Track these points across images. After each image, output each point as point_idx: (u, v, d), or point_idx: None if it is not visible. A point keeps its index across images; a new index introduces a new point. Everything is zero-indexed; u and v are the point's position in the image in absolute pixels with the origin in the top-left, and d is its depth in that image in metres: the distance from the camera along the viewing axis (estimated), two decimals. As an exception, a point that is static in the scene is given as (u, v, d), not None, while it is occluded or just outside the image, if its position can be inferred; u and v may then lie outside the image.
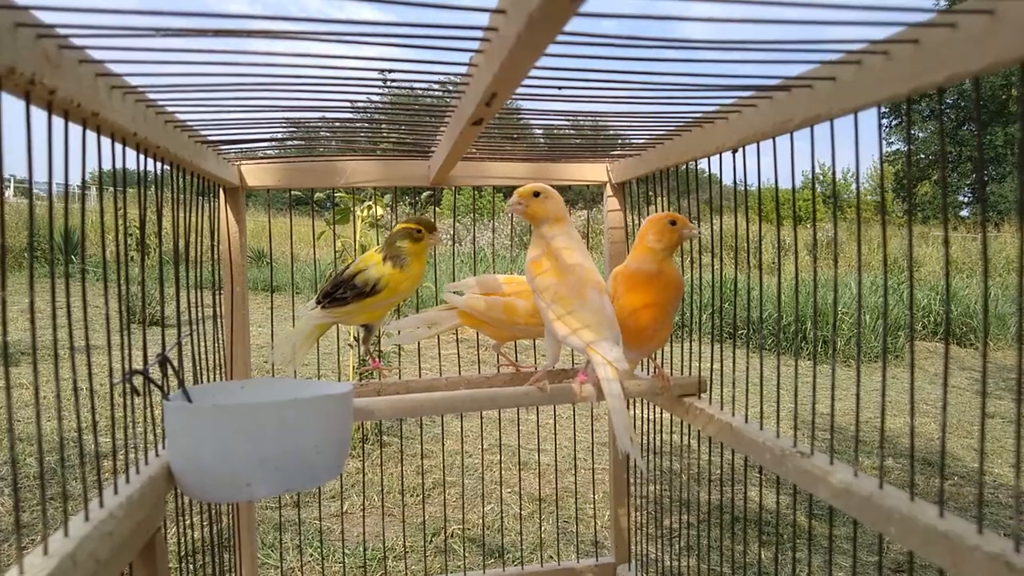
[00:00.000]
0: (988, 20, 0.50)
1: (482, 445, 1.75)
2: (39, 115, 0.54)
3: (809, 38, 0.61)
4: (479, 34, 0.57)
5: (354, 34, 0.56)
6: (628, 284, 1.06)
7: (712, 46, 0.62)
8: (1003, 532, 0.55)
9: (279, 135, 1.09)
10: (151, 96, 0.73)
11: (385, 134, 1.23)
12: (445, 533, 2.09)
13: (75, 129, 0.61)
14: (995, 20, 0.49)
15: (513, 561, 1.92)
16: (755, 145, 0.88)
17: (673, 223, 1.06)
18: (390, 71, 0.83)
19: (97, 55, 0.59)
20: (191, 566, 0.97)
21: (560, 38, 0.52)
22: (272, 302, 1.28)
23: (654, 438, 1.31)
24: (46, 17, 0.50)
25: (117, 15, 0.50)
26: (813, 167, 0.83)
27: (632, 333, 1.07)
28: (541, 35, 0.49)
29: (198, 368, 1.01)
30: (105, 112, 0.62)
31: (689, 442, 1.27)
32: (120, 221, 0.73)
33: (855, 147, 0.72)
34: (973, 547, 0.55)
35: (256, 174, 1.24)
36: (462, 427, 1.78)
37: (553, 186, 1.41)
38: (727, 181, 1.09)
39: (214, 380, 1.10)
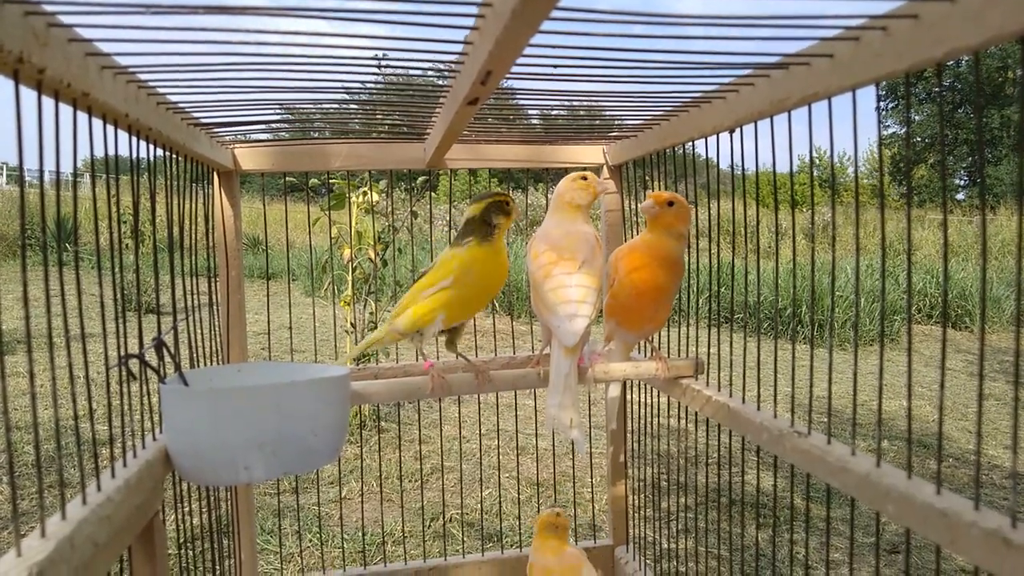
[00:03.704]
0: (989, -7, 0.49)
1: (480, 430, 1.75)
2: (29, 97, 0.53)
3: (807, 13, 0.60)
4: (474, 10, 0.57)
5: (349, 10, 0.55)
6: (628, 266, 1.06)
7: (709, 22, 0.61)
8: (999, 512, 0.55)
9: (273, 117, 1.08)
10: (143, 77, 0.72)
11: (380, 116, 1.22)
12: (444, 518, 2.10)
13: (66, 112, 0.60)
14: (996, -7, 0.49)
15: (511, 545, 1.93)
16: (752, 126, 0.87)
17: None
18: (385, 52, 0.82)
19: (86, 33, 0.58)
20: (191, 552, 0.97)
21: (555, 14, 0.51)
22: (268, 289, 1.27)
23: (651, 421, 1.31)
24: (34, -6, 0.49)
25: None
26: (811, 149, 0.83)
27: (631, 314, 1.08)
28: (536, 9, 0.49)
29: (195, 354, 1.00)
30: (96, 92, 0.62)
31: (686, 425, 1.27)
32: (113, 207, 0.72)
33: (853, 127, 0.71)
34: (970, 523, 0.55)
35: (250, 157, 1.23)
36: (459, 412, 1.79)
37: (549, 168, 1.41)
38: (724, 165, 1.09)
39: (211, 365, 1.10)
